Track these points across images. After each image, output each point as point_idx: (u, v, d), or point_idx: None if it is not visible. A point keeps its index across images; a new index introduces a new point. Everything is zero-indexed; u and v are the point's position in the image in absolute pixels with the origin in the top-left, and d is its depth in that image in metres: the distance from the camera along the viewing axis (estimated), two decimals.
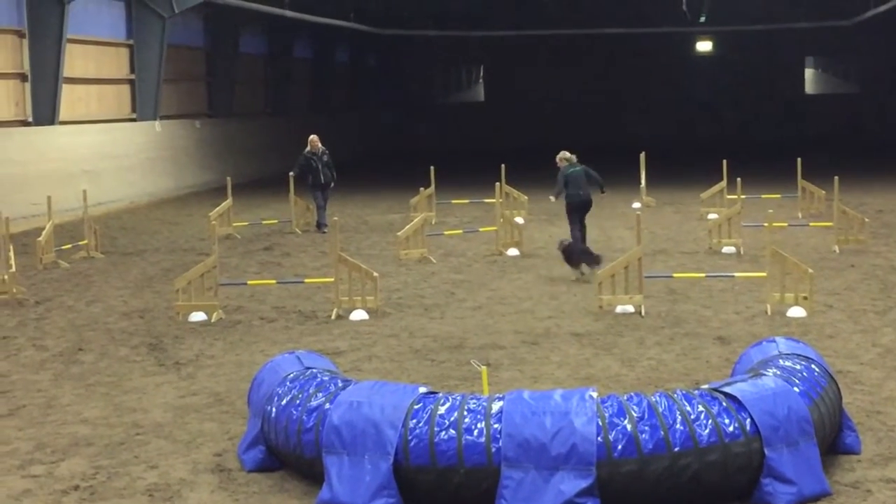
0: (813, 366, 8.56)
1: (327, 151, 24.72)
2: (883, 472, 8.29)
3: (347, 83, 54.55)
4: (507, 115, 60.17)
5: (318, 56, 51.06)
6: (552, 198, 20.16)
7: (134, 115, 34.74)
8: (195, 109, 39.67)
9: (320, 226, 24.44)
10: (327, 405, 8.09)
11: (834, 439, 8.52)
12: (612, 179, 26.11)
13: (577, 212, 19.83)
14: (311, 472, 8.21)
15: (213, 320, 14.75)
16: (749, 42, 57.23)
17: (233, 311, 15.44)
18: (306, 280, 17.45)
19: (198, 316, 14.85)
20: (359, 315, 14.74)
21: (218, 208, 24.23)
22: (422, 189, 24.99)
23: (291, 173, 24.87)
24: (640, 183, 28.08)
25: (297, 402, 8.34)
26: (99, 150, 31.57)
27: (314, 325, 14.51)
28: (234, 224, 24.48)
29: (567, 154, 20.20)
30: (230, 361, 12.51)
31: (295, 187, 24.60)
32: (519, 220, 22.72)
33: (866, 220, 20.39)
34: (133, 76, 34.71)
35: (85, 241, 21.33)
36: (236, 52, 42.04)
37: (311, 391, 8.38)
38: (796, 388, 8.00)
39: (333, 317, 14.76)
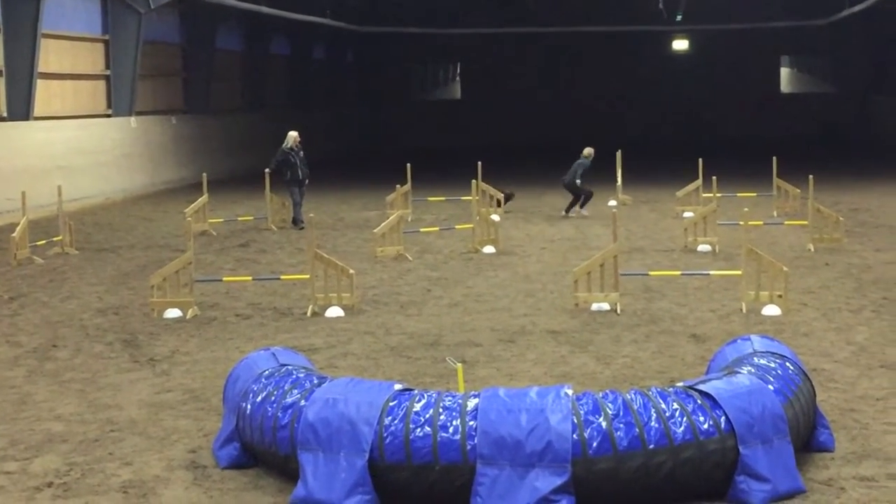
0: (787, 364, 8.59)
1: (302, 148, 24.72)
2: (856, 469, 8.33)
3: (324, 80, 54.44)
4: (485, 113, 60.19)
5: (294, 53, 50.94)
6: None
7: (109, 111, 34.56)
8: (171, 105, 39.52)
9: (296, 222, 24.42)
10: (303, 402, 8.08)
11: (808, 437, 8.56)
12: (588, 177, 26.17)
13: None
14: (285, 469, 8.19)
15: (188, 317, 14.71)
16: (725, 41, 57.36)
17: (208, 307, 15.40)
18: (282, 277, 17.42)
19: (173, 313, 14.80)
20: (335, 312, 14.72)
21: (193, 205, 24.15)
22: (398, 186, 24.98)
23: (267, 169, 24.83)
24: (616, 181, 28.10)
25: (273, 398, 8.32)
26: (74, 146, 31.40)
27: (290, 321, 14.48)
28: (210, 220, 24.41)
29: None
30: (205, 358, 12.48)
31: (271, 184, 24.55)
32: (495, 217, 22.74)
33: (841, 218, 20.48)
34: (108, 72, 34.51)
35: (59, 238, 21.25)
36: (213, 49, 41.88)
37: (286, 388, 8.36)
38: (771, 386, 8.02)
39: (309, 314, 14.74)
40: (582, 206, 26.21)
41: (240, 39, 45.46)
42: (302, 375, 8.60)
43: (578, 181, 25.90)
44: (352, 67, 58.75)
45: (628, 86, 60.20)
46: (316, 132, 43.23)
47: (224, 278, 17.41)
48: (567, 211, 26.25)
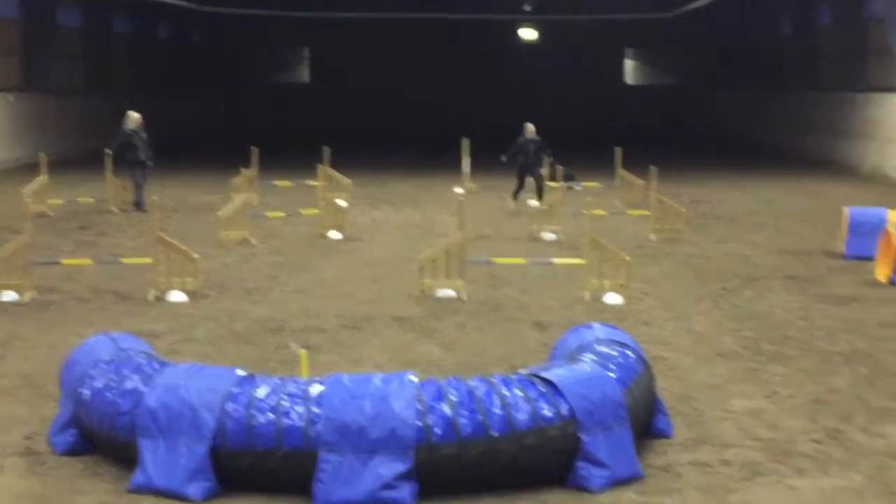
0: (628, 352, 8.72)
1: (145, 129, 24.30)
2: (693, 455, 8.51)
3: (170, 61, 53.58)
4: (333, 98, 59.94)
5: (138, 32, 49.99)
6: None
7: None
8: (9, 83, 38.43)
9: (138, 205, 24.00)
10: (143, 388, 7.94)
11: (647, 423, 8.71)
12: (436, 165, 26.27)
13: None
14: (125, 456, 8.04)
15: (25, 300, 14.34)
16: (572, 32, 58.10)
17: (46, 291, 15.02)
18: (123, 260, 17.08)
19: (9, 296, 14.42)
20: (177, 297, 14.50)
21: (32, 185, 23.52)
22: (243, 170, 24.71)
23: (109, 150, 24.33)
24: (462, 169, 28.27)
25: (112, 384, 8.16)
26: None
27: (131, 306, 14.22)
28: (49, 202, 23.83)
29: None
30: (43, 343, 12.17)
31: (113, 165, 24.06)
32: (342, 203, 22.64)
33: (682, 209, 20.91)
34: None
35: None
36: (53, 25, 40.86)
37: (126, 374, 8.21)
38: (612, 374, 8.14)
39: (151, 298, 14.49)
40: (516, 196, 24.66)
41: (81, 16, 44.42)
42: (143, 361, 8.45)
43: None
44: (198, 49, 57.93)
45: (476, 74, 60.55)
46: (161, 114, 42.51)
47: (63, 261, 17.01)
48: (516, 197, 24.64)
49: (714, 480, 7.99)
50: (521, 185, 24.50)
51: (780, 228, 21.79)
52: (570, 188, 26.47)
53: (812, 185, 31.21)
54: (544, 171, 24.24)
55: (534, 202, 23.98)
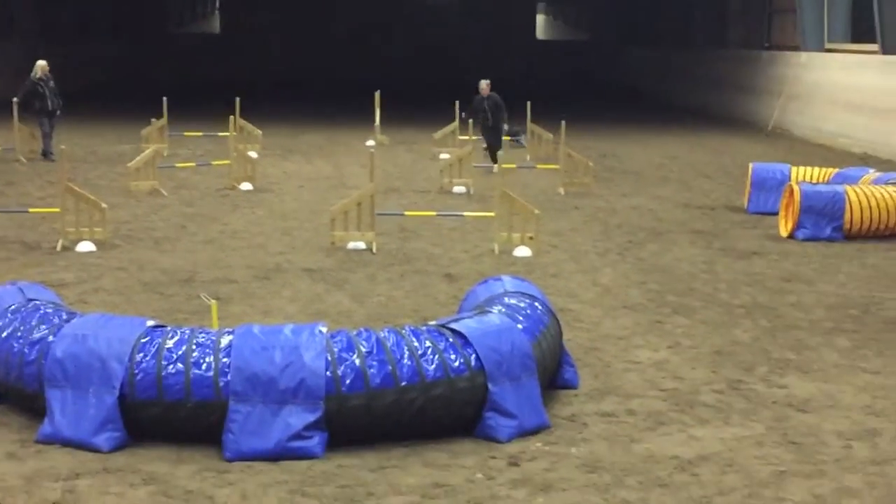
0: (536, 304, 8.84)
1: (52, 78, 23.93)
2: (598, 405, 8.67)
3: (77, 10, 52.58)
4: (244, 48, 59.36)
5: None
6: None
7: None
8: None
9: (46, 154, 23.68)
10: (51, 338, 7.90)
11: (554, 374, 8.85)
12: (348, 117, 26.20)
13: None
14: (32, 406, 8.00)
15: None
16: None
17: None
18: (31, 210, 16.88)
19: None
20: (86, 247, 14.37)
21: None
22: (154, 120, 24.47)
23: (15, 99, 23.92)
24: (374, 121, 28.23)
25: (19, 334, 8.11)
26: None
27: (38, 256, 14.07)
28: None
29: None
30: None
31: (19, 114, 23.67)
32: (253, 154, 22.53)
33: (591, 164, 21.10)
34: None
35: None
36: None
37: (33, 323, 8.16)
38: (520, 325, 8.25)
39: (59, 248, 14.36)
40: (494, 158, 21.15)
41: None
42: (50, 311, 8.40)
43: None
44: None
45: (389, 26, 60.32)
46: (69, 63, 41.79)
47: None
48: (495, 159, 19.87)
49: (619, 430, 8.16)
50: (491, 145, 22.85)
51: (685, 183, 22.08)
52: (516, 143, 26.50)
53: (717, 140, 31.62)
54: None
55: (445, 155, 24.02)
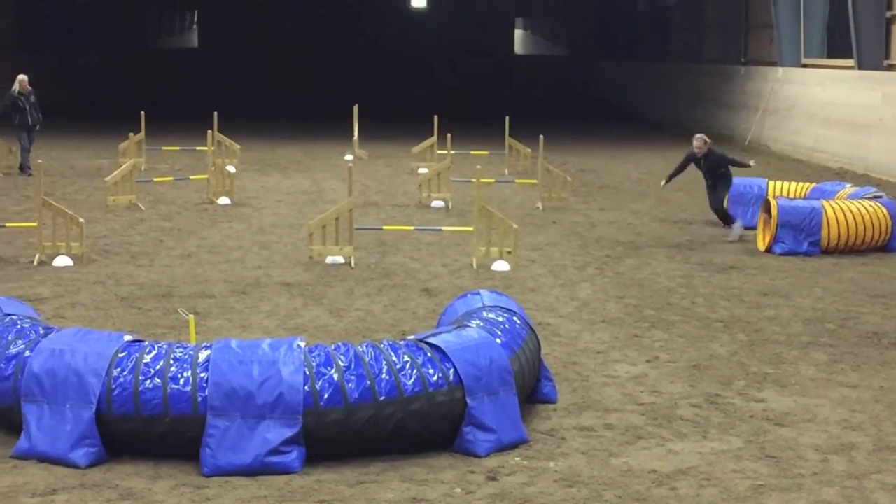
0: (515, 318, 8.84)
1: (34, 92, 23.88)
2: (577, 420, 8.67)
3: (55, 23, 52.42)
4: (222, 63, 59.32)
5: None
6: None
7: None
8: None
9: (23, 168, 23.61)
10: (27, 353, 7.87)
11: (532, 389, 8.85)
12: (326, 131, 26.19)
13: None
14: (8, 422, 7.97)
15: None
16: (461, 1, 58.15)
17: None
18: (8, 224, 16.81)
19: None
20: (63, 261, 14.32)
21: None
22: (132, 134, 24.41)
23: None
24: (352, 136, 28.22)
25: None
26: None
27: (15, 270, 14.01)
28: None
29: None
30: None
31: None
32: (231, 168, 22.49)
33: (569, 178, 21.15)
34: None
35: None
36: None
37: (9, 338, 8.12)
38: (498, 340, 8.25)
39: (36, 263, 14.30)
40: None
41: None
42: (27, 325, 8.36)
43: None
44: (85, 10, 56.78)
45: (366, 41, 60.34)
46: (46, 76, 41.63)
47: None
48: None
49: (597, 444, 8.16)
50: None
51: (662, 198, 22.13)
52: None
53: None
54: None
55: (423, 170, 24.04)
